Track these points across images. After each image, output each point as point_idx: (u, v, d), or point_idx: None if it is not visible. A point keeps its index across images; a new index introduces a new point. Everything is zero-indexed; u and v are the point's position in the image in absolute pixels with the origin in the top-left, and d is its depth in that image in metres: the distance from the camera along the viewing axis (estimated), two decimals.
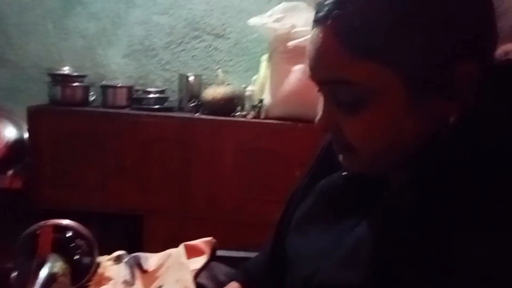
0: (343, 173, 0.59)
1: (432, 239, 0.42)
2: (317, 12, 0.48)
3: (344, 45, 0.44)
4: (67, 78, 1.89)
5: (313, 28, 0.49)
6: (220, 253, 0.98)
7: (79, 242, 0.82)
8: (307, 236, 0.62)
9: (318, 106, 0.53)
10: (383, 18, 0.43)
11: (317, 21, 0.48)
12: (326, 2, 0.46)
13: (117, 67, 2.13)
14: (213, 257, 0.93)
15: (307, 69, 0.51)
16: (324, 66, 0.47)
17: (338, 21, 0.44)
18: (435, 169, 0.45)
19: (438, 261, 0.41)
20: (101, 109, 1.91)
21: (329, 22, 0.45)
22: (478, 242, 0.39)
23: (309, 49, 0.49)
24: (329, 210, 0.60)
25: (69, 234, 0.81)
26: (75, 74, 1.93)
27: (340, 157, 0.54)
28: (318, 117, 0.52)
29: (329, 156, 0.62)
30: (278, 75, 1.77)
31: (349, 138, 0.49)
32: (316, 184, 0.65)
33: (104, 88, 1.96)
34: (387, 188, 0.50)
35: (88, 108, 1.89)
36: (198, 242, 0.94)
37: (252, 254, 1.02)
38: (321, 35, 0.46)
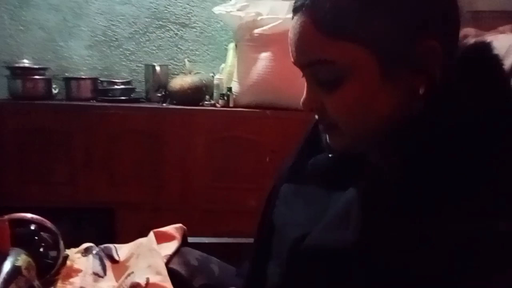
0: (329, 155, 0.63)
1: (412, 205, 0.46)
2: (295, 2, 0.53)
3: (320, 29, 0.49)
4: (28, 71, 1.83)
5: (292, 18, 0.54)
6: (191, 240, 0.98)
7: (43, 235, 0.80)
8: (295, 207, 0.65)
9: (305, 89, 0.58)
10: (352, 2, 0.48)
11: (294, 10, 0.53)
12: None
13: (80, 58, 2.08)
14: (184, 244, 0.94)
15: (291, 56, 0.56)
16: (304, 50, 0.52)
17: (313, 8, 0.50)
18: (408, 142, 0.49)
19: (418, 225, 0.45)
20: (65, 102, 1.86)
21: (304, 9, 0.50)
22: (450, 211, 0.44)
23: (290, 36, 0.54)
24: (317, 187, 0.63)
25: (32, 227, 0.80)
26: (36, 66, 1.87)
27: (326, 137, 0.58)
28: (302, 99, 0.56)
29: (315, 137, 0.67)
30: (245, 63, 1.78)
31: (332, 114, 0.53)
32: (303, 164, 0.67)
33: (67, 80, 1.91)
34: (368, 163, 0.53)
35: (52, 102, 1.84)
36: (168, 229, 0.94)
37: (224, 240, 1.04)
38: (299, 22, 0.51)
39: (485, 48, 0.52)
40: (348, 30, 0.48)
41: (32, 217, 0.81)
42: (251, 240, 0.96)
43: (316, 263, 0.52)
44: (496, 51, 0.52)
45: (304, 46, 0.52)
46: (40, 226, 0.81)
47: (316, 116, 0.58)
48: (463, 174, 0.45)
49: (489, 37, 1.58)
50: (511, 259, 0.42)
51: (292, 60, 0.56)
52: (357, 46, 0.49)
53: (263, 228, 0.71)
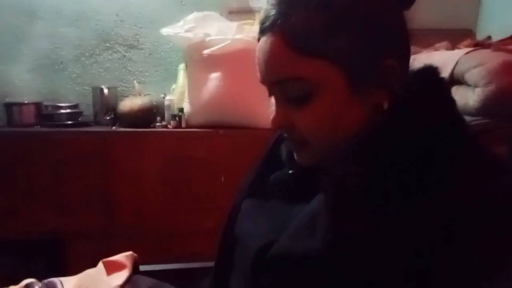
0: (290, 171, 0.65)
1: (376, 211, 0.48)
2: (262, 24, 0.55)
3: (290, 47, 0.51)
4: None
5: (259, 39, 0.56)
6: (143, 268, 0.95)
7: None
8: (257, 219, 0.65)
9: (270, 108, 0.59)
10: (321, 23, 0.51)
11: (263, 31, 0.55)
12: (271, 14, 0.54)
13: (22, 83, 1.99)
14: (136, 272, 0.91)
15: (258, 75, 0.58)
16: (274, 68, 0.54)
17: (283, 28, 0.52)
18: (372, 152, 0.51)
19: (382, 230, 0.47)
20: (6, 129, 1.76)
21: (275, 29, 0.53)
22: (413, 215, 0.46)
23: (258, 56, 0.56)
24: (279, 200, 0.64)
25: None
26: None
27: (294, 154, 0.60)
28: (272, 117, 0.57)
29: (275, 154, 0.69)
30: (195, 84, 1.78)
31: (301, 130, 0.55)
32: (263, 180, 0.69)
33: (9, 106, 1.82)
34: (331, 174, 0.54)
35: None
36: (118, 257, 0.91)
37: (177, 266, 1.02)
38: (269, 41, 0.53)
39: (431, 68, 0.57)
40: (318, 47, 0.51)
41: None
42: (206, 264, 0.95)
43: (283, 272, 0.53)
44: (439, 70, 0.57)
45: (274, 64, 0.54)
46: None
47: (285, 134, 0.59)
48: (423, 179, 0.48)
49: (426, 54, 1.69)
50: (477, 263, 0.44)
51: (260, 79, 0.57)
52: (326, 63, 0.52)
53: (225, 242, 0.71)
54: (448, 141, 0.51)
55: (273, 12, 0.54)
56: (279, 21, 0.53)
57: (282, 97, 0.56)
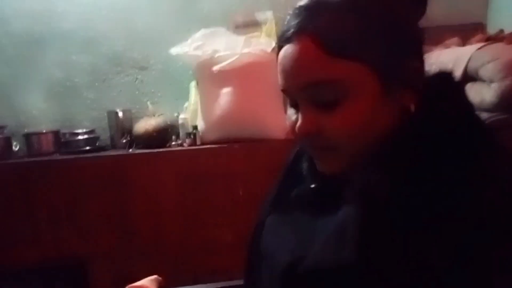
0: (312, 186, 0.64)
1: (408, 220, 0.47)
2: (286, 31, 0.55)
3: (322, 50, 0.51)
4: None
5: (282, 47, 0.56)
6: None
7: None
8: (282, 234, 0.64)
9: (290, 119, 0.59)
10: (352, 25, 0.52)
11: (288, 39, 0.54)
12: (296, 21, 0.54)
13: (39, 112, 2.03)
14: None
15: (283, 83, 0.57)
16: (306, 71, 0.53)
17: (314, 32, 0.52)
18: (402, 158, 0.51)
19: (415, 239, 0.46)
20: (26, 159, 1.80)
21: (304, 34, 0.53)
22: (446, 224, 0.45)
23: (284, 63, 0.55)
24: (303, 214, 0.63)
25: None
26: None
27: (318, 164, 0.59)
28: (298, 124, 0.56)
29: (296, 169, 0.68)
30: (208, 100, 1.79)
31: (333, 135, 0.54)
32: (285, 196, 0.68)
33: (27, 136, 1.86)
34: (358, 183, 0.54)
35: (12, 160, 1.78)
36: (144, 282, 0.91)
37: (201, 287, 1.01)
38: (298, 46, 0.53)
39: (447, 73, 0.58)
40: (351, 49, 0.51)
41: None
42: (230, 283, 0.95)
43: (314, 285, 0.52)
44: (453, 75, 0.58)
45: (306, 67, 0.53)
46: None
47: (310, 142, 0.58)
48: (450, 185, 0.47)
49: (437, 53, 1.66)
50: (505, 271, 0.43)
51: (285, 86, 0.57)
52: (359, 65, 0.51)
53: (251, 260, 0.71)
54: (473, 147, 0.51)
55: (298, 19, 0.54)
56: (308, 26, 0.53)
57: (310, 103, 0.55)
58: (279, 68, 0.57)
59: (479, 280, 0.44)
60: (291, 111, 0.59)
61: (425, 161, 0.49)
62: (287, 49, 0.55)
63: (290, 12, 0.57)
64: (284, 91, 0.58)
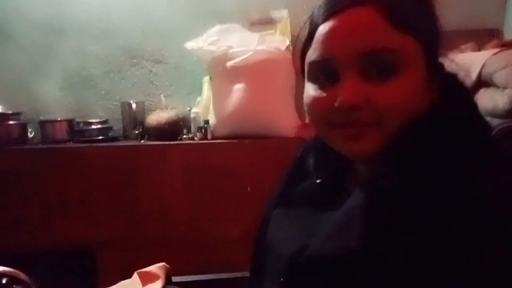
0: (317, 181, 0.65)
1: (414, 210, 0.48)
2: (340, 1, 0.55)
3: (388, 20, 0.52)
4: (1, 117, 1.81)
5: (344, 9, 0.54)
6: (175, 279, 0.97)
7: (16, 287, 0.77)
8: (287, 226, 0.65)
9: (308, 93, 0.58)
10: (416, 5, 0.55)
11: (354, 2, 0.54)
12: None
13: (54, 100, 2.07)
14: (168, 283, 0.93)
15: (330, 51, 0.55)
16: (370, 37, 0.53)
17: (382, 2, 0.53)
18: (407, 154, 0.52)
19: (421, 229, 0.47)
20: (40, 146, 1.84)
21: (369, 3, 0.53)
22: (452, 214, 0.46)
23: (341, 29, 0.54)
24: (308, 208, 0.64)
25: (3, 281, 0.76)
26: (10, 112, 1.85)
27: (349, 145, 0.56)
28: (345, 95, 0.53)
29: (303, 165, 0.69)
30: (220, 95, 1.80)
31: (383, 106, 0.52)
32: (290, 192, 0.69)
33: (42, 123, 1.90)
34: (369, 173, 0.55)
35: (27, 146, 1.82)
36: (152, 268, 0.93)
37: (208, 277, 1.03)
38: (364, 12, 0.53)
39: (455, 74, 0.59)
40: (412, 25, 0.53)
41: (3, 270, 0.77)
42: (236, 274, 0.96)
43: (319, 273, 0.52)
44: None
45: (371, 33, 0.53)
46: (13, 279, 0.77)
47: (350, 116, 0.54)
48: (455, 179, 0.48)
49: (452, 57, 1.66)
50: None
51: (334, 53, 0.54)
52: (416, 41, 0.53)
53: (257, 250, 0.71)
54: (478, 144, 0.52)
55: None
56: None
57: (361, 73, 0.53)
58: (324, 37, 0.55)
59: (479, 275, 0.44)
60: (310, 88, 0.58)
61: (436, 156, 0.50)
62: (350, 13, 0.53)
63: None
64: (325, 60, 0.55)
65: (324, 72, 0.56)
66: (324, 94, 0.56)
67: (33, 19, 2.03)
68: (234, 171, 1.73)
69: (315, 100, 0.57)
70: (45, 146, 1.83)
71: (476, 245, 0.45)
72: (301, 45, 0.60)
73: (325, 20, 0.55)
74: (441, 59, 0.58)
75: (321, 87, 0.57)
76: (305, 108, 0.60)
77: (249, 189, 1.71)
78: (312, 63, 0.57)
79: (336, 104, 0.54)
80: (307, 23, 0.59)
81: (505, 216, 0.45)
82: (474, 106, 0.58)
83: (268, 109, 1.72)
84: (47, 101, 2.06)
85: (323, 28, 0.55)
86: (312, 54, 0.57)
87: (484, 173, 0.49)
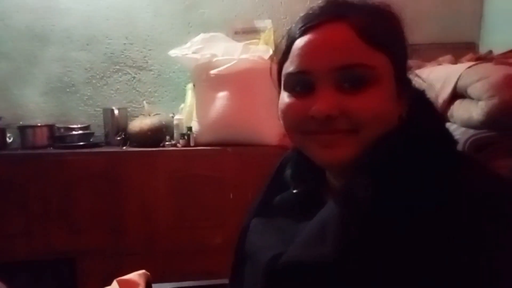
0: (294, 191, 0.67)
1: (387, 217, 0.50)
2: (318, 17, 0.58)
3: (361, 38, 0.55)
4: None
5: (320, 25, 0.57)
6: (155, 286, 0.97)
7: None
8: (265, 235, 0.66)
9: (284, 101, 0.60)
10: (383, 25, 0.57)
11: (331, 19, 0.57)
12: (331, 10, 0.58)
13: (35, 106, 2.05)
14: None
15: (307, 63, 0.57)
16: (345, 53, 0.55)
17: (355, 19, 0.56)
18: (380, 165, 0.54)
19: (393, 235, 0.49)
20: (19, 151, 1.81)
21: (347, 19, 0.56)
22: (423, 220, 0.49)
23: (317, 44, 0.57)
24: (285, 218, 0.66)
25: None
26: None
27: (325, 153, 0.58)
28: (320, 105, 0.55)
29: (281, 177, 0.71)
30: (203, 103, 1.81)
31: (357, 115, 0.55)
32: (269, 202, 0.71)
33: (22, 129, 1.87)
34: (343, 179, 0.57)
35: (5, 152, 1.79)
36: (131, 276, 0.92)
37: (188, 284, 1.03)
38: (339, 28, 0.56)
39: (420, 90, 0.62)
40: (382, 43, 0.56)
41: None
42: (217, 281, 0.97)
43: (295, 280, 0.53)
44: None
45: (346, 49, 0.55)
46: None
47: (326, 125, 0.56)
48: (425, 190, 0.50)
49: (429, 69, 1.71)
50: (486, 262, 0.46)
51: (309, 66, 0.56)
52: (385, 57, 0.56)
53: (236, 259, 0.73)
54: (446, 156, 0.55)
55: (334, 8, 0.58)
56: (347, 14, 0.56)
57: (335, 85, 0.56)
58: (301, 51, 0.57)
59: (451, 281, 0.46)
60: (286, 97, 0.59)
61: (407, 167, 0.52)
62: (319, 32, 0.56)
63: (318, 3, 0.60)
64: (302, 72, 0.57)
65: (300, 84, 0.58)
66: (299, 102, 0.58)
67: (16, 25, 2.01)
68: (217, 179, 1.73)
69: (290, 108, 0.59)
70: (24, 151, 1.81)
71: (446, 253, 0.47)
72: (279, 58, 0.62)
73: (302, 34, 0.58)
74: (409, 75, 0.61)
75: (297, 96, 0.59)
76: (280, 115, 0.62)
77: (231, 196, 1.72)
78: (289, 75, 0.59)
79: (310, 113, 0.56)
80: (285, 37, 0.61)
81: (472, 224, 0.48)
82: (442, 119, 0.62)
83: (251, 117, 1.74)
84: (28, 106, 2.04)
85: (300, 42, 0.58)
86: (289, 66, 0.59)
87: (453, 183, 0.51)
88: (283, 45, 0.61)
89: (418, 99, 0.60)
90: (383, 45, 0.56)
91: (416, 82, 0.62)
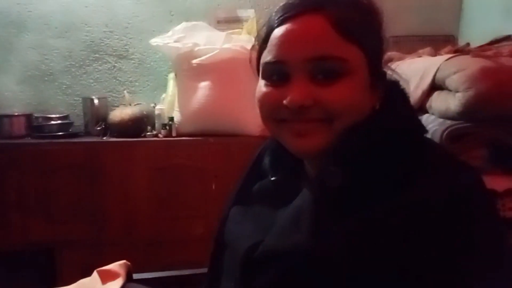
0: (272, 178, 0.68)
1: (358, 204, 0.52)
2: (294, 8, 0.59)
3: (335, 30, 0.56)
4: None
5: (297, 15, 0.58)
6: (136, 276, 0.97)
7: None
8: (244, 224, 0.67)
9: (261, 89, 0.61)
10: (358, 18, 0.58)
11: (306, 11, 0.58)
12: (307, 1, 0.58)
13: (12, 94, 2.00)
14: (129, 280, 0.92)
15: (282, 53, 0.58)
16: (320, 44, 0.57)
17: (330, 12, 0.57)
18: (352, 155, 0.56)
19: (364, 222, 0.51)
20: None
21: (321, 12, 0.57)
22: (392, 206, 0.50)
23: (293, 35, 0.58)
24: (263, 207, 0.67)
25: None
26: None
27: (298, 142, 0.59)
28: (294, 95, 0.57)
29: (259, 165, 0.72)
30: (185, 93, 1.80)
31: (330, 105, 0.56)
32: (248, 189, 0.72)
33: None
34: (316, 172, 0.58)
35: None
36: (112, 266, 0.92)
37: (169, 274, 1.03)
38: (314, 20, 0.57)
39: (396, 81, 0.64)
40: (357, 36, 0.57)
41: None
42: (198, 270, 0.97)
43: (272, 268, 0.55)
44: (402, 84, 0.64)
45: (320, 41, 0.56)
46: None
47: (300, 114, 0.58)
48: (395, 180, 0.52)
49: (409, 61, 1.73)
50: (452, 244, 0.48)
51: (285, 56, 0.58)
52: (360, 50, 0.57)
53: (215, 248, 0.73)
54: (416, 146, 0.57)
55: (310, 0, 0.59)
56: (323, 6, 0.57)
57: (309, 75, 0.57)
58: (278, 41, 0.58)
59: (417, 269, 0.48)
60: (263, 86, 0.61)
61: (378, 156, 0.54)
62: (296, 22, 0.57)
63: None
64: (278, 62, 0.58)
65: (277, 73, 0.60)
66: (275, 91, 0.59)
67: None
68: (199, 169, 1.73)
69: (266, 96, 0.60)
70: (1, 141, 1.76)
71: (415, 240, 0.49)
72: (258, 46, 0.64)
73: (280, 24, 0.59)
74: (385, 68, 0.63)
75: (273, 85, 0.60)
76: (257, 103, 0.63)
77: (213, 187, 1.72)
78: (266, 64, 0.60)
79: (285, 102, 0.57)
80: (265, 25, 0.62)
81: (441, 214, 0.49)
82: (412, 110, 0.64)
83: (233, 107, 1.74)
84: (4, 95, 1.99)
85: (277, 32, 0.59)
86: (266, 55, 0.60)
87: (424, 173, 0.53)
88: (262, 33, 0.62)
89: (392, 90, 0.62)
90: (357, 38, 0.57)
91: (392, 74, 0.64)
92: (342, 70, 0.56)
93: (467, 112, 1.23)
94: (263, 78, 0.62)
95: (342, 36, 0.56)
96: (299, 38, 0.57)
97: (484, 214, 0.52)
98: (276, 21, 0.59)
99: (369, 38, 0.59)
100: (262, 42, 0.62)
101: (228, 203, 0.74)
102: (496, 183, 1.18)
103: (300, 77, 0.57)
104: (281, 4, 0.61)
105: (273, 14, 0.61)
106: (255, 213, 0.67)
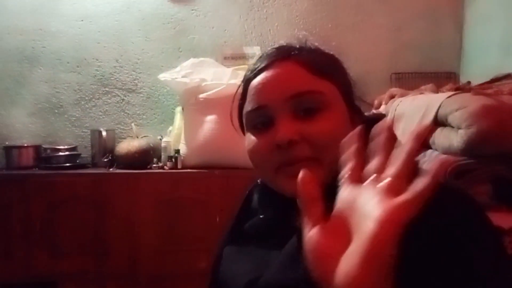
0: (261, 216, 0.68)
1: None
2: (277, 55, 0.64)
3: (308, 69, 0.62)
4: None
5: (271, 65, 0.63)
6: None
7: None
8: (239, 262, 0.67)
9: (251, 142, 0.62)
10: (325, 60, 0.65)
11: (280, 60, 0.63)
12: (277, 53, 0.64)
13: (22, 126, 2.04)
14: None
15: (262, 99, 0.62)
16: (295, 83, 0.61)
17: (300, 57, 0.63)
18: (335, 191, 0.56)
19: None
20: (4, 172, 1.79)
21: (293, 57, 0.63)
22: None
23: (268, 81, 0.62)
24: (257, 246, 0.67)
25: None
26: None
27: (289, 183, 0.59)
28: (281, 133, 0.59)
29: (249, 204, 0.73)
30: (191, 126, 1.83)
31: (315, 138, 0.59)
32: (239, 229, 0.72)
33: (8, 149, 1.86)
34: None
35: None
36: None
37: None
38: (287, 65, 0.63)
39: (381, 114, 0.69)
40: (327, 73, 0.62)
41: None
42: None
43: None
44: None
45: (295, 80, 0.61)
46: None
47: (289, 154, 0.59)
48: None
49: (412, 97, 1.75)
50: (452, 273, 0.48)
51: (265, 101, 0.61)
52: (332, 84, 0.62)
53: (211, 287, 0.73)
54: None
55: (279, 52, 0.64)
56: (292, 55, 0.63)
57: (291, 113, 0.60)
58: (256, 89, 0.62)
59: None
60: (251, 137, 0.63)
61: None
62: (270, 70, 0.62)
63: (266, 51, 0.66)
64: (260, 108, 0.62)
65: (260, 119, 0.62)
66: (263, 139, 0.61)
67: (6, 47, 2.03)
68: (203, 201, 1.74)
69: (256, 145, 0.62)
70: (9, 172, 1.79)
71: (414, 274, 0.48)
72: (238, 102, 0.67)
73: (256, 75, 0.63)
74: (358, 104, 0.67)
75: (260, 133, 0.62)
76: (249, 156, 0.64)
77: (218, 220, 1.72)
78: (249, 113, 0.63)
79: (275, 142, 0.59)
80: (242, 83, 0.67)
81: (442, 240, 0.49)
82: None
83: (238, 140, 1.75)
84: (14, 127, 2.03)
85: (254, 82, 0.63)
86: (247, 105, 0.63)
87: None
88: (240, 90, 0.66)
89: (373, 124, 0.64)
90: (326, 74, 0.62)
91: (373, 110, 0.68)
92: (320, 103, 0.60)
93: (470, 149, 1.25)
94: (248, 130, 0.64)
95: (313, 73, 0.61)
96: (275, 81, 0.61)
97: (488, 242, 0.52)
98: (251, 75, 0.64)
99: (336, 74, 0.64)
100: (241, 98, 0.66)
101: (222, 242, 0.75)
102: (501, 220, 1.18)
103: (283, 116, 0.60)
104: (253, 62, 0.66)
105: (247, 72, 0.66)
106: (249, 252, 0.67)
